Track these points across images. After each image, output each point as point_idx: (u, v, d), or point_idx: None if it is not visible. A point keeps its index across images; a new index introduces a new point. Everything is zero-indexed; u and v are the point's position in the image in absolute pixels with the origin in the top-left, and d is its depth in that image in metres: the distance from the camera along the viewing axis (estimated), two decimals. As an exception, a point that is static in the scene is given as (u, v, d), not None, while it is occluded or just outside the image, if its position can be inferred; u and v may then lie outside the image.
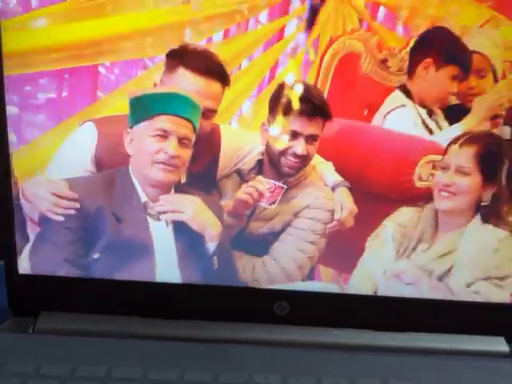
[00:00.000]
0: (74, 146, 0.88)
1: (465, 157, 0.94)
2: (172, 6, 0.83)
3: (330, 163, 0.99)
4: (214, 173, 0.96)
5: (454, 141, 0.95)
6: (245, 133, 0.97)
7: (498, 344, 1.01)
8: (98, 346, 0.87)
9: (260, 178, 0.94)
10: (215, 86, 0.89)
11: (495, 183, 0.95)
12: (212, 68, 0.88)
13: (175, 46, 0.86)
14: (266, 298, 0.95)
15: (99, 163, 0.90)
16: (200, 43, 0.87)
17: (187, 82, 0.88)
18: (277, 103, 0.91)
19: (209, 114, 0.90)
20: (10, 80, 0.82)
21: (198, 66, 0.87)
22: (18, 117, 0.85)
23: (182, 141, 0.87)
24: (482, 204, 0.96)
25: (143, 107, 0.86)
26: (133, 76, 0.87)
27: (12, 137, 0.87)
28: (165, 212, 0.89)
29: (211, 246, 0.92)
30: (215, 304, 0.95)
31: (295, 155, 0.94)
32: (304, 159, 0.94)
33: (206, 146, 0.92)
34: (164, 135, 0.87)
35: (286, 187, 0.95)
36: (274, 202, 0.95)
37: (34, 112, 0.86)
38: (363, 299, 0.98)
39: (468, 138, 0.94)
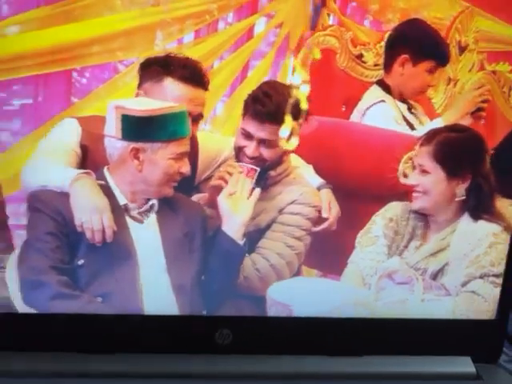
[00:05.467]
0: (55, 142, 0.95)
1: (424, 156, 1.00)
2: (141, 8, 0.91)
3: (310, 166, 1.05)
4: (193, 177, 1.04)
5: (418, 140, 1.01)
6: (222, 138, 1.05)
7: (464, 365, 0.98)
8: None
9: (231, 162, 1.02)
10: (200, 92, 0.97)
11: (465, 178, 1.00)
12: (197, 76, 0.96)
13: (155, 54, 0.94)
14: (207, 326, 0.95)
15: (82, 161, 0.98)
16: (172, 45, 0.96)
17: (176, 91, 0.96)
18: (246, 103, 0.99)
19: (197, 118, 0.98)
20: (-16, 87, 0.91)
21: (184, 75, 0.95)
22: (-7, 124, 0.94)
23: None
24: (457, 199, 1.01)
25: (152, 127, 0.94)
26: (105, 80, 0.96)
27: (-12, 145, 0.96)
28: None
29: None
30: (152, 335, 0.95)
31: (247, 156, 1.01)
32: (258, 160, 1.01)
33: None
34: (180, 158, 0.96)
35: (259, 169, 1.00)
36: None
37: (9, 118, 0.94)
38: (313, 322, 0.97)
39: (426, 137, 1.00)
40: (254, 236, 1.03)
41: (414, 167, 1.02)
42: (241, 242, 1.01)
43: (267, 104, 0.98)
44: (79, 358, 0.91)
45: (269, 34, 0.96)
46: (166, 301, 0.98)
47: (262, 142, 1.00)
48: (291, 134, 0.95)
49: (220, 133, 1.04)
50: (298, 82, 0.92)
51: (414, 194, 1.02)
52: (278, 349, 0.94)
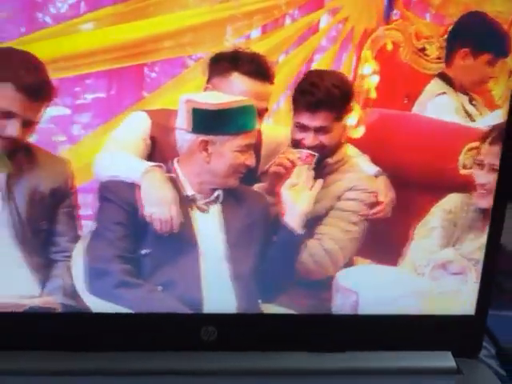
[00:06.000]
0: (126, 134, 0.99)
1: (495, 155, 1.01)
2: (211, 4, 0.94)
3: (366, 156, 1.08)
4: (256, 168, 1.08)
5: (485, 137, 1.03)
6: (283, 129, 1.07)
7: (445, 359, 1.01)
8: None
9: (290, 148, 1.05)
10: (266, 86, 1.01)
11: None
12: (263, 70, 0.99)
13: (223, 49, 0.98)
14: (192, 323, 0.98)
15: (151, 153, 1.02)
16: (240, 40, 0.99)
17: (243, 86, 1.00)
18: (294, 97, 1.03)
19: (262, 113, 1.02)
20: (60, 82, 0.95)
21: (251, 69, 0.99)
22: (68, 117, 0.98)
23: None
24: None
25: (221, 121, 0.98)
26: (175, 74, 0.99)
27: (62, 137, 0.99)
28: None
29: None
30: (136, 333, 0.97)
31: (307, 146, 1.04)
32: (318, 148, 1.05)
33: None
34: (246, 150, 1.00)
35: (317, 154, 1.04)
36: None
37: (82, 112, 0.98)
38: (295, 318, 1.01)
39: (496, 135, 1.01)
40: (312, 223, 1.07)
41: (480, 166, 1.03)
42: (301, 232, 1.04)
43: (316, 93, 1.01)
44: (63, 356, 0.94)
45: (333, 29, 0.98)
46: (225, 290, 1.03)
47: (318, 130, 1.04)
48: (358, 122, 0.97)
49: (282, 125, 1.06)
50: (368, 71, 0.95)
51: (481, 191, 1.03)
52: (263, 345, 0.98)
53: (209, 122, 0.97)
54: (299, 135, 1.04)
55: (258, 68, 0.99)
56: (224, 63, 0.99)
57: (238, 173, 1.01)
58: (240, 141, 0.99)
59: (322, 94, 1.01)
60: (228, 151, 0.99)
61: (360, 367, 0.99)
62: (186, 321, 0.98)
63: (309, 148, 1.04)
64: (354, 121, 1.01)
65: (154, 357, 0.96)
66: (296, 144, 1.05)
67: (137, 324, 0.97)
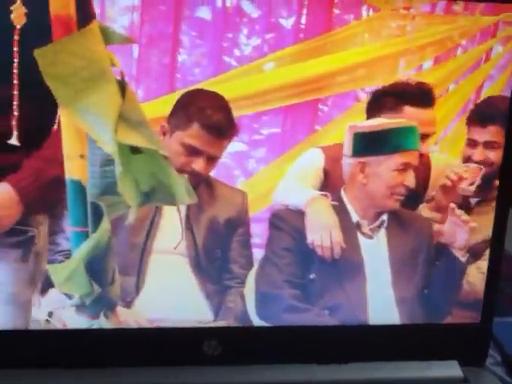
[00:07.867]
0: (302, 167, 1.04)
1: None
2: (387, 39, 0.97)
3: None
4: (422, 195, 1.09)
5: None
6: (453, 157, 1.09)
7: (452, 369, 1.01)
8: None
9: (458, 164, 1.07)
10: (432, 112, 1.03)
11: None
12: (430, 98, 1.02)
13: (393, 82, 1.00)
14: (194, 337, 0.97)
15: (324, 184, 1.06)
16: (412, 72, 1.01)
17: (412, 116, 1.02)
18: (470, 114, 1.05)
19: (427, 136, 1.04)
20: (240, 120, 0.99)
21: (420, 100, 1.02)
22: (245, 152, 1.03)
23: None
24: None
25: (378, 142, 1.01)
26: (346, 107, 1.02)
27: (238, 171, 1.04)
28: None
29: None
30: (138, 348, 0.97)
31: (475, 161, 1.06)
32: (486, 164, 1.05)
33: (418, 171, 1.04)
34: (404, 169, 1.02)
35: (483, 168, 1.05)
36: (472, 183, 1.05)
37: (258, 147, 1.03)
38: (299, 330, 1.01)
39: None
40: (479, 246, 1.07)
41: None
42: (464, 259, 1.05)
43: (489, 109, 1.02)
44: (63, 373, 0.94)
45: (504, 57, 0.98)
46: (389, 314, 1.04)
47: (487, 144, 1.05)
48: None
49: (448, 153, 1.08)
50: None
51: None
52: (267, 358, 0.98)
53: (366, 144, 1.01)
54: (469, 151, 1.06)
55: (424, 97, 1.01)
56: (394, 98, 1.01)
57: (397, 194, 1.03)
58: (397, 159, 1.01)
59: (494, 110, 1.02)
60: (385, 171, 1.02)
61: (366, 378, 0.99)
62: (188, 335, 0.99)
63: (476, 163, 1.05)
64: None
65: (155, 372, 0.96)
66: (466, 161, 1.07)
67: (138, 338, 0.98)
